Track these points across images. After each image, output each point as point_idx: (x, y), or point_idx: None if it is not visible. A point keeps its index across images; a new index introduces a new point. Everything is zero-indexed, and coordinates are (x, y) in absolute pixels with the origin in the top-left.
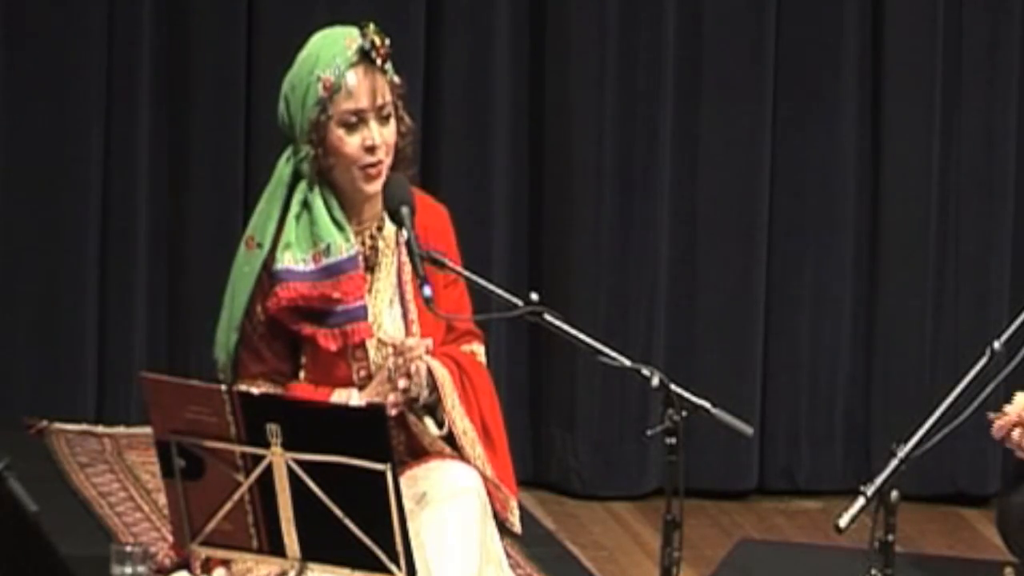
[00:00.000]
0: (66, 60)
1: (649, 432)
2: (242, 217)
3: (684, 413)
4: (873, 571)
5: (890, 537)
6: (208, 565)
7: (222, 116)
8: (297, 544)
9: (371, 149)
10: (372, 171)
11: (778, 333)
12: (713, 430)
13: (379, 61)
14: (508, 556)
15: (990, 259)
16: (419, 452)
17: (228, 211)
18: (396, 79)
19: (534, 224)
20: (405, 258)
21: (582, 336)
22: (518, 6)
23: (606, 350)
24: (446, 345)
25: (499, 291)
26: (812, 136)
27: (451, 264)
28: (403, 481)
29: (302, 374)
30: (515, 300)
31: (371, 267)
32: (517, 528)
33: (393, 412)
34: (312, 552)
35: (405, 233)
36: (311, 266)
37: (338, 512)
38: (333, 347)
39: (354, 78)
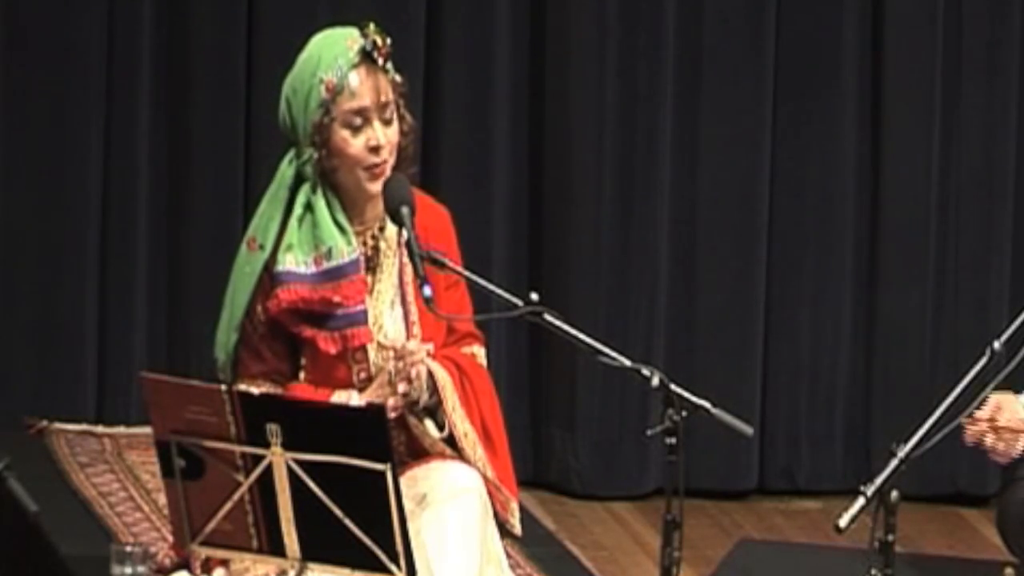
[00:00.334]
0: (66, 60)
1: (649, 432)
2: (242, 217)
3: (684, 413)
4: (873, 571)
5: (890, 537)
6: (208, 565)
7: (222, 116)
8: (297, 544)
9: (375, 149)
10: (377, 171)
11: (778, 333)
12: (713, 430)
13: (381, 61)
14: (508, 556)
15: (990, 259)
16: (419, 452)
17: (228, 211)
18: (398, 78)
19: (534, 224)
20: (407, 259)
21: (582, 336)
22: (518, 6)
23: (606, 350)
24: (447, 347)
25: (499, 291)
26: (812, 136)
27: (451, 264)
28: (403, 481)
29: (302, 375)
30: (515, 300)
31: (373, 268)
32: (517, 530)
33: (393, 415)
34: (312, 552)
35: (405, 233)
36: (312, 269)
37: (338, 512)
38: (333, 350)
39: (356, 78)
